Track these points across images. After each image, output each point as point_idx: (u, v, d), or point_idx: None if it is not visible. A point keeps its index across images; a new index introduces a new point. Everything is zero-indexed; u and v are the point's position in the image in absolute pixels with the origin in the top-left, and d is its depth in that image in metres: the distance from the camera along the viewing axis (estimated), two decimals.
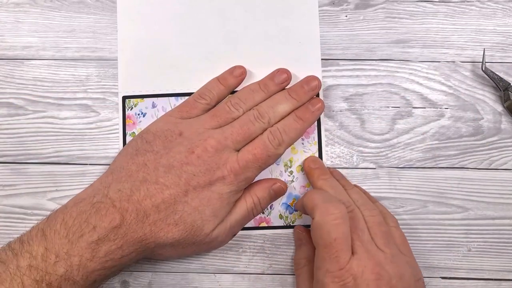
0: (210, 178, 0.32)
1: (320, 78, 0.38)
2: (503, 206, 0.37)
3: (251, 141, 0.33)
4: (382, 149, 0.38)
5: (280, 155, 0.34)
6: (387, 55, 0.38)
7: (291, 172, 0.37)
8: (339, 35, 0.39)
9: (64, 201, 0.37)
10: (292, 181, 0.37)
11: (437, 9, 0.39)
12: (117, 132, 0.38)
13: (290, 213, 0.37)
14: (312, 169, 0.36)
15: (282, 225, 0.37)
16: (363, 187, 0.37)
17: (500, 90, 0.37)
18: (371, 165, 0.38)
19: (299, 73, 0.38)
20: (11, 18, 0.39)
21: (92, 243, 0.29)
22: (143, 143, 0.34)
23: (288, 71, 0.37)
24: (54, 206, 0.37)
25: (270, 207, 0.37)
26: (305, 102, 0.35)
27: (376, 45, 0.38)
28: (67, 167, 0.38)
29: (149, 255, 0.33)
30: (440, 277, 0.36)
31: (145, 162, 0.32)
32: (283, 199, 0.37)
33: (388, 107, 0.38)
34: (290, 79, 0.37)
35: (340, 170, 0.37)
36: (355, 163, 0.38)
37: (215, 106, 0.36)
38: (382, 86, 0.38)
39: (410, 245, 0.37)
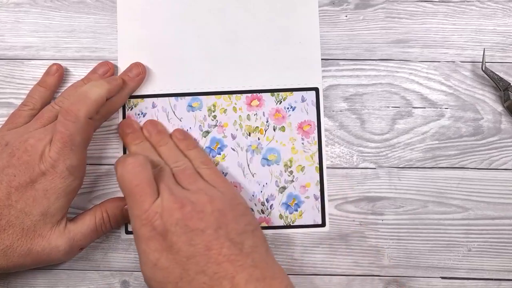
0: (30, 175, 0.31)
1: (320, 78, 0.38)
2: (503, 206, 0.37)
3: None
4: (382, 149, 0.38)
5: (84, 126, 0.32)
6: (387, 55, 0.38)
7: (291, 172, 0.37)
8: (339, 35, 0.39)
9: None
10: (292, 181, 0.37)
11: (437, 9, 0.39)
12: (117, 132, 0.38)
13: (290, 213, 0.37)
14: (125, 134, 0.37)
15: (282, 225, 0.37)
16: (363, 187, 0.37)
17: (500, 90, 0.37)
18: (371, 165, 0.38)
19: (299, 73, 0.38)
20: (11, 18, 0.39)
21: None
22: None
23: (111, 63, 0.38)
24: None
25: (270, 207, 0.37)
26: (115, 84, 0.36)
27: (376, 45, 0.39)
28: None
29: None
30: (440, 277, 0.36)
31: None
32: (283, 199, 0.37)
33: (388, 107, 0.38)
34: (113, 71, 0.37)
35: (340, 170, 0.37)
36: (355, 163, 0.38)
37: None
38: (382, 86, 0.38)
39: (410, 245, 0.37)
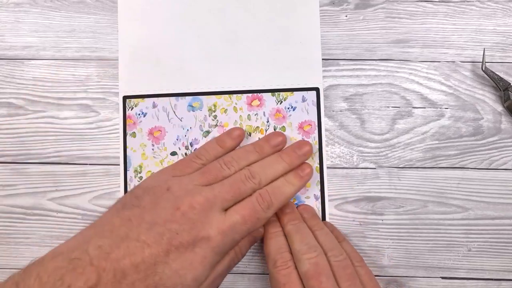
0: (194, 237, 0.30)
1: (321, 78, 0.38)
2: (503, 206, 0.37)
3: (239, 201, 0.32)
4: (382, 149, 0.38)
5: (268, 218, 0.33)
6: (387, 55, 0.38)
7: None
8: (339, 35, 0.39)
9: (64, 201, 0.37)
10: None
11: (437, 9, 0.39)
12: (117, 132, 0.38)
13: None
14: (283, 214, 0.36)
15: None
16: (363, 187, 0.37)
17: (500, 90, 0.37)
18: (371, 165, 0.38)
19: (300, 73, 0.38)
20: (11, 18, 0.39)
21: None
22: (132, 198, 0.32)
23: (283, 134, 0.37)
24: (54, 206, 0.37)
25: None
26: (296, 165, 0.35)
27: (376, 45, 0.39)
28: (67, 167, 0.38)
29: None
30: (440, 277, 0.36)
31: (130, 217, 0.31)
32: None
33: (388, 107, 0.38)
34: (285, 143, 0.37)
35: (340, 170, 0.37)
36: (355, 163, 0.38)
37: None
38: (382, 86, 0.38)
39: (410, 245, 0.37)
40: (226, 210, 0.32)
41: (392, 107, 0.38)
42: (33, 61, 0.39)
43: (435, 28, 0.39)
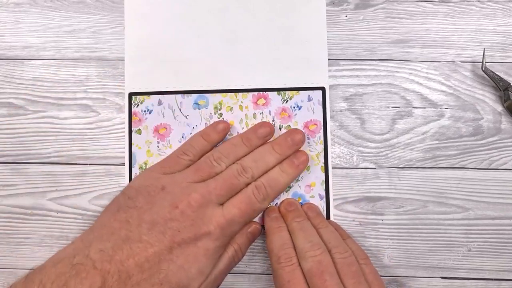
0: (195, 233, 0.31)
1: (327, 77, 0.38)
2: (503, 206, 0.37)
3: (235, 194, 0.33)
4: (382, 149, 0.38)
5: (265, 205, 0.34)
6: (387, 55, 0.38)
7: None
8: (339, 35, 0.39)
9: (64, 201, 0.37)
10: (298, 180, 0.37)
11: (437, 9, 0.39)
12: (117, 132, 0.38)
13: None
14: (287, 211, 0.36)
15: None
16: (363, 187, 0.37)
17: (500, 90, 0.37)
18: (371, 165, 0.38)
19: (306, 72, 0.38)
20: (11, 18, 0.39)
21: None
22: (126, 199, 0.33)
23: (271, 124, 0.37)
24: (54, 206, 0.37)
25: (275, 205, 0.37)
26: (289, 155, 0.35)
27: (376, 45, 0.39)
28: (67, 167, 0.38)
29: None
30: (440, 277, 0.36)
31: (128, 218, 0.31)
32: (288, 196, 0.37)
33: (388, 107, 0.38)
34: (273, 133, 0.36)
35: (340, 170, 0.37)
36: (355, 163, 0.38)
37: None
38: (382, 86, 0.38)
39: (411, 245, 0.37)
40: (222, 204, 0.32)
41: (392, 107, 0.38)
42: (33, 61, 0.39)
43: (435, 28, 0.39)
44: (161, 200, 0.32)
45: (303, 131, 0.37)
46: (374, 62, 0.38)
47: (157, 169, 0.35)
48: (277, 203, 0.37)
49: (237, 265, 0.37)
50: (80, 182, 0.38)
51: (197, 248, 0.31)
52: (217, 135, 0.36)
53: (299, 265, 0.32)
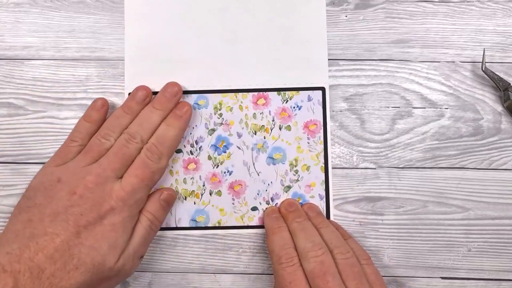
0: (98, 212, 0.31)
1: (327, 77, 0.38)
2: (503, 206, 0.37)
3: (131, 164, 0.33)
4: (382, 149, 0.38)
5: (165, 167, 0.35)
6: (387, 55, 0.38)
7: (296, 171, 0.37)
8: (339, 35, 0.39)
9: None
10: (297, 180, 0.37)
11: (437, 9, 0.39)
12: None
13: None
14: (288, 212, 0.36)
15: None
16: (363, 187, 0.37)
17: (500, 90, 0.37)
18: (371, 165, 0.38)
19: (306, 73, 0.38)
20: (11, 18, 0.39)
21: None
22: (25, 200, 0.33)
23: (148, 87, 0.37)
24: None
25: (274, 205, 0.37)
26: (172, 108, 0.36)
27: (376, 45, 0.39)
28: None
29: None
30: (440, 277, 0.36)
31: (30, 217, 0.31)
32: (288, 196, 0.37)
33: (388, 107, 0.38)
34: (151, 95, 0.37)
35: (340, 170, 0.37)
36: (355, 163, 0.38)
37: None
38: (382, 86, 0.38)
39: (411, 245, 0.37)
40: (121, 177, 0.33)
41: (392, 107, 0.38)
42: (33, 61, 0.39)
43: (435, 28, 0.39)
44: (59, 191, 0.32)
45: (303, 131, 0.37)
46: (374, 62, 0.38)
47: (50, 164, 0.35)
48: (277, 204, 0.37)
49: (237, 265, 0.37)
50: None
51: (103, 225, 0.31)
52: (98, 114, 0.36)
53: (301, 265, 0.32)
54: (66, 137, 0.38)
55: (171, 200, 0.36)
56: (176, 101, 0.36)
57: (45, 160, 0.38)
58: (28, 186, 0.34)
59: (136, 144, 0.34)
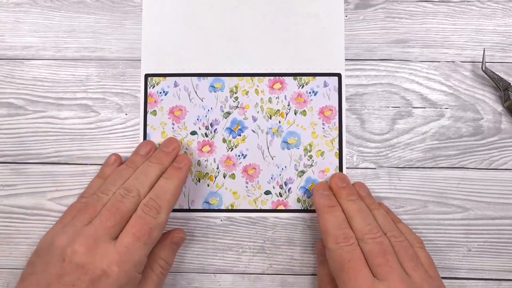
0: (90, 281, 0.28)
1: (343, 64, 0.38)
2: (503, 206, 0.37)
3: (127, 222, 0.31)
4: (382, 149, 0.38)
5: (164, 223, 0.32)
6: (387, 55, 0.38)
7: (311, 157, 0.37)
8: None
9: (64, 201, 0.37)
10: (311, 165, 0.37)
11: (437, 9, 0.39)
12: (117, 132, 0.38)
13: (308, 197, 0.37)
14: (339, 188, 0.35)
15: (300, 208, 0.37)
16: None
17: (500, 90, 0.37)
18: (371, 165, 0.38)
19: (322, 59, 0.38)
20: (11, 18, 0.39)
21: None
22: (28, 267, 0.31)
23: (152, 142, 0.37)
24: (54, 206, 0.37)
25: (288, 191, 0.37)
26: (170, 163, 0.34)
27: (376, 45, 0.39)
28: (67, 167, 0.38)
29: None
30: (440, 277, 0.36)
31: (28, 287, 0.29)
32: (301, 183, 0.37)
33: (388, 107, 0.38)
34: (155, 149, 0.36)
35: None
36: (355, 163, 0.38)
37: None
38: (382, 86, 0.38)
39: None
40: (117, 237, 0.30)
41: (392, 107, 0.38)
42: (33, 61, 0.39)
43: (435, 28, 0.39)
44: (52, 257, 0.30)
45: (318, 116, 0.37)
46: (374, 62, 0.38)
47: (58, 223, 0.33)
48: (290, 188, 0.37)
49: (237, 265, 0.37)
50: (80, 182, 0.37)
51: None
52: (111, 169, 0.36)
53: (358, 244, 0.31)
54: (66, 137, 0.38)
55: (181, 242, 0.35)
56: (174, 155, 0.35)
57: (45, 160, 0.38)
58: (35, 248, 0.32)
59: (132, 198, 0.31)
